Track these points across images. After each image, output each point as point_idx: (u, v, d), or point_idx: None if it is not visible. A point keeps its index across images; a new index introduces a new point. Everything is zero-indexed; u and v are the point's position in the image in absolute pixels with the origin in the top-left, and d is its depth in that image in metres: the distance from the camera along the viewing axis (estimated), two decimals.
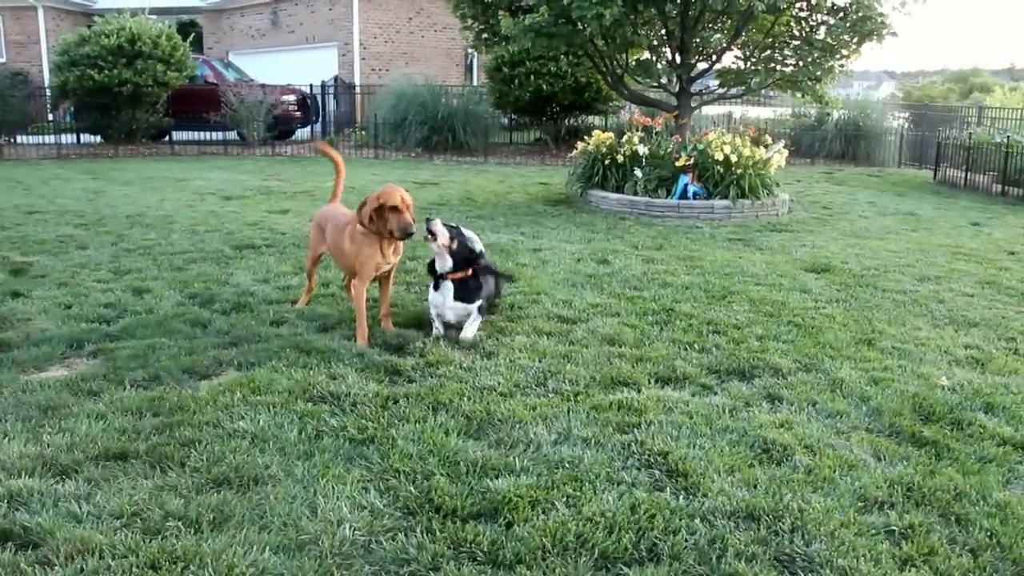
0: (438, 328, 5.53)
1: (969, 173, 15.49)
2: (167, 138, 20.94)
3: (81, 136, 21.09)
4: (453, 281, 5.46)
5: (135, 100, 19.75)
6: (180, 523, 3.09)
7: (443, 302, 5.48)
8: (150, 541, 2.98)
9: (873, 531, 3.21)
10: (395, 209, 5.22)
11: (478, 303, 5.49)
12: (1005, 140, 14.78)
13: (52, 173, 15.40)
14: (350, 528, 3.10)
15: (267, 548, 2.96)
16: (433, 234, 5.42)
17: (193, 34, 26.90)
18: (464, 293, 5.46)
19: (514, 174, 16.45)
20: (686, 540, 3.09)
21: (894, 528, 3.23)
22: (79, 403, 4.24)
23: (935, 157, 17.14)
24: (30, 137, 20.61)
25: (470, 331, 5.43)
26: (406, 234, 5.27)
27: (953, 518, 3.33)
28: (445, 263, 5.49)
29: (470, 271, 5.51)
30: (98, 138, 20.85)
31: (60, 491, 3.31)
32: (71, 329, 5.49)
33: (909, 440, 4.07)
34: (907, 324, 6.06)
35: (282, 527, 3.11)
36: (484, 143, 20.24)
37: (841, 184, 15.81)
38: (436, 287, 5.54)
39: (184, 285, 6.73)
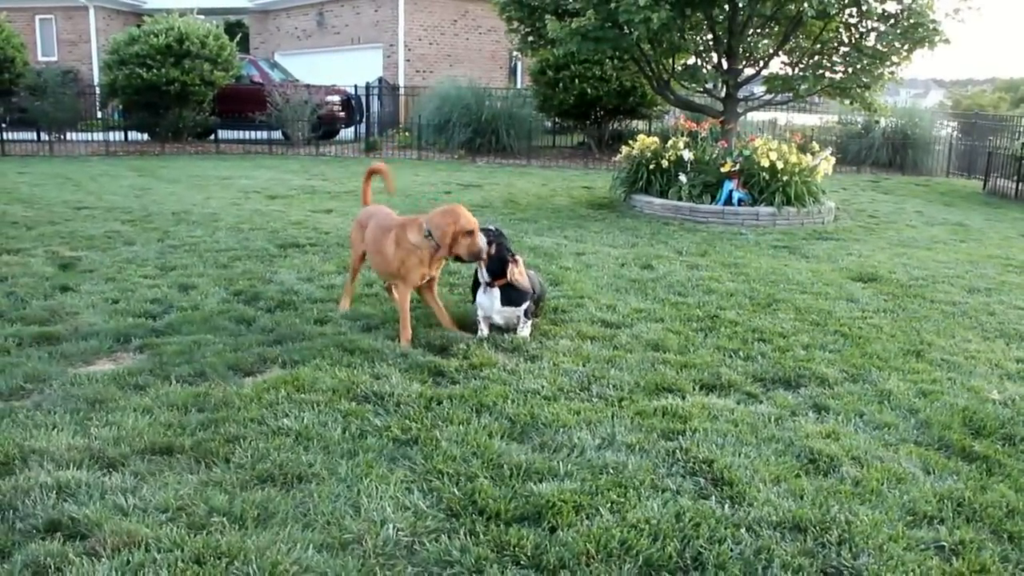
0: (483, 330, 5.52)
1: (1021, 184, 15.22)
2: (213, 137, 21.15)
3: (129, 134, 21.38)
4: (500, 287, 5.45)
5: (182, 99, 19.99)
6: (224, 519, 3.11)
7: (491, 306, 5.48)
8: (195, 536, 2.99)
9: (923, 546, 3.15)
10: (470, 233, 5.25)
11: (525, 305, 5.47)
12: None
13: (100, 170, 15.63)
14: (393, 528, 3.09)
15: (311, 546, 2.96)
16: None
17: (240, 34, 27.25)
18: (511, 296, 5.45)
19: (557, 177, 16.42)
20: (731, 550, 3.05)
21: (944, 544, 3.17)
22: (126, 397, 4.29)
23: (985, 167, 16.85)
24: (80, 134, 20.91)
25: (525, 331, 5.47)
26: (476, 258, 5.32)
27: (1006, 536, 3.26)
28: (483, 275, 5.49)
29: (508, 276, 5.48)
30: (145, 136, 21.13)
31: (107, 483, 3.35)
32: (118, 324, 5.55)
33: (959, 454, 3.99)
34: (956, 336, 5.95)
35: (326, 526, 3.11)
36: (527, 146, 20.23)
37: (888, 193, 15.60)
38: (484, 290, 5.53)
39: (229, 282, 6.78)
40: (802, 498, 3.44)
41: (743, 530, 3.17)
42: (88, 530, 3.00)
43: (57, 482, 3.31)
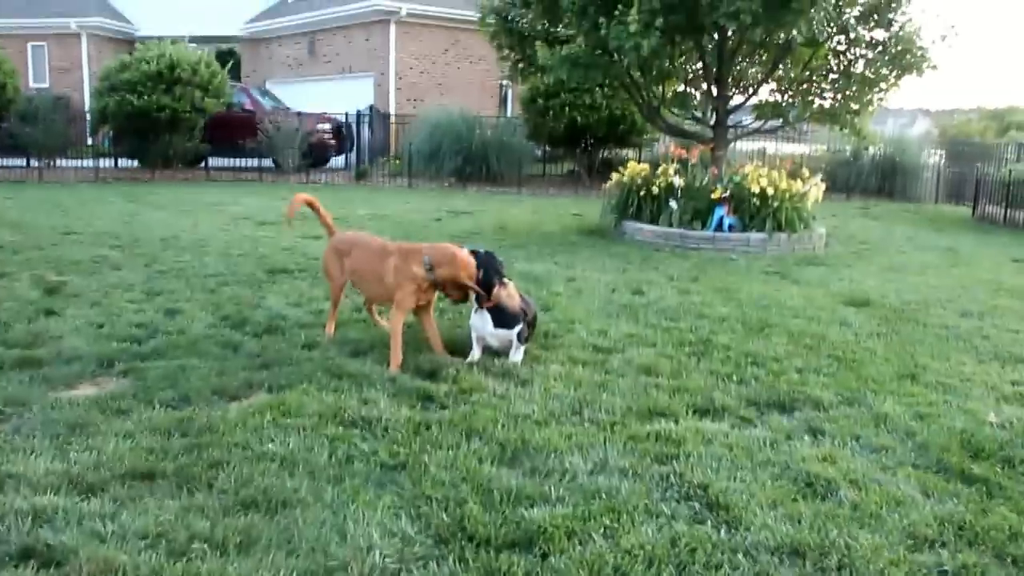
0: (475, 353, 5.46)
1: (1009, 210, 15.25)
2: (203, 164, 21.13)
3: (119, 160, 21.34)
4: (489, 309, 5.38)
5: (173, 126, 19.97)
6: (206, 545, 3.02)
7: (483, 327, 5.42)
8: (175, 563, 2.90)
9: (924, 570, 3.07)
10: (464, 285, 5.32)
11: (518, 328, 5.39)
12: None
13: (89, 195, 15.56)
14: (380, 555, 3.01)
15: (294, 573, 2.88)
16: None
17: (231, 62, 27.28)
18: (502, 319, 5.38)
19: (547, 205, 16.40)
20: (729, 575, 2.96)
21: (947, 568, 3.09)
22: (107, 421, 4.19)
23: (974, 193, 16.90)
24: (70, 160, 20.86)
25: (517, 356, 5.40)
26: (460, 301, 5.54)
27: (1009, 559, 3.19)
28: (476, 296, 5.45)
29: (515, 299, 5.45)
30: (135, 162, 21.09)
31: (85, 509, 3.25)
32: (102, 348, 5.46)
33: (958, 477, 3.91)
34: (951, 359, 5.89)
35: (310, 552, 3.02)
36: (518, 174, 20.24)
37: (877, 219, 15.62)
38: (475, 310, 5.47)
39: (216, 307, 6.70)
40: (800, 522, 3.36)
41: (740, 555, 3.09)
42: (63, 557, 2.91)
43: (33, 507, 3.21)
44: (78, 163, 20.76)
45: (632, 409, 4.62)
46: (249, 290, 7.40)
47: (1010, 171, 15.83)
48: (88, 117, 21.98)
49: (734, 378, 5.25)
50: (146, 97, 19.19)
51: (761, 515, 3.40)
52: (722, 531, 3.28)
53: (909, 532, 3.34)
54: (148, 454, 3.79)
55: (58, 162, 20.63)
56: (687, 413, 4.60)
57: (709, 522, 3.35)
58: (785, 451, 4.11)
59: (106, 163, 20.99)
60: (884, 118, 29.66)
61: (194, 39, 22.86)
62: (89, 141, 22.35)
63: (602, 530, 3.23)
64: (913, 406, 4.84)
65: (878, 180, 20.29)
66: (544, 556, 3.04)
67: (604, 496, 3.52)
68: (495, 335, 5.41)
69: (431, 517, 3.30)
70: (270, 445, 3.93)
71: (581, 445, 4.07)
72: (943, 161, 21.21)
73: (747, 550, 3.13)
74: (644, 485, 3.66)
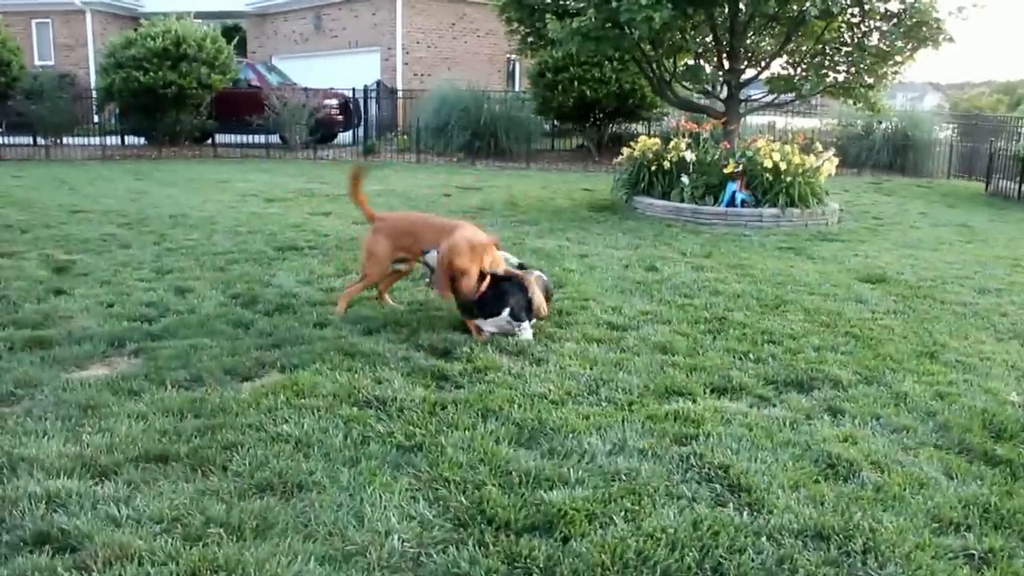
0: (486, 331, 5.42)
1: (1023, 185, 15.11)
2: (210, 140, 21.02)
3: (125, 138, 21.24)
4: (475, 302, 5.32)
5: (179, 102, 19.85)
6: (222, 530, 2.97)
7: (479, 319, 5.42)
8: (191, 548, 2.86)
9: (951, 555, 3.02)
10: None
11: (507, 310, 5.28)
12: None
13: (97, 173, 15.49)
14: (399, 539, 2.96)
15: (312, 558, 2.83)
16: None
17: (237, 38, 27.06)
18: (488, 310, 5.32)
19: (557, 180, 16.30)
20: (753, 560, 2.92)
21: (973, 552, 3.04)
22: (119, 403, 4.15)
23: (987, 168, 16.75)
24: (76, 138, 20.77)
25: (527, 334, 5.35)
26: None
27: None
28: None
29: (486, 286, 5.31)
30: (142, 140, 21.00)
31: (99, 493, 3.21)
32: (112, 327, 5.41)
33: (981, 458, 3.86)
34: (970, 337, 5.82)
35: (328, 536, 2.98)
36: (526, 149, 20.10)
37: (890, 195, 15.49)
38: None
39: (226, 285, 6.65)
40: (823, 504, 3.31)
41: (764, 539, 3.04)
42: (79, 542, 2.87)
43: (47, 492, 3.17)
44: (85, 141, 20.66)
45: (649, 388, 4.56)
46: (259, 268, 7.34)
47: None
48: (94, 94, 21.87)
49: (751, 356, 5.18)
50: (152, 74, 19.04)
51: (784, 497, 3.35)
52: (744, 514, 3.22)
53: (934, 515, 3.28)
54: (161, 436, 3.74)
55: (64, 140, 20.53)
56: (705, 392, 4.54)
57: (731, 504, 3.30)
58: (805, 431, 4.06)
59: (113, 141, 20.88)
60: (894, 92, 29.36)
61: (199, 15, 22.63)
62: (95, 119, 22.25)
63: (623, 513, 3.18)
64: (933, 385, 4.78)
65: (890, 155, 20.10)
66: (565, 540, 2.99)
67: (624, 478, 3.47)
68: (487, 324, 5.37)
69: (449, 500, 3.25)
70: (284, 426, 3.87)
71: (599, 425, 4.01)
72: (955, 136, 21.01)
73: (770, 533, 3.08)
74: (664, 466, 3.61)
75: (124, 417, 3.94)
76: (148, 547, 2.84)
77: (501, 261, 5.60)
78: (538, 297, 5.42)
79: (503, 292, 5.31)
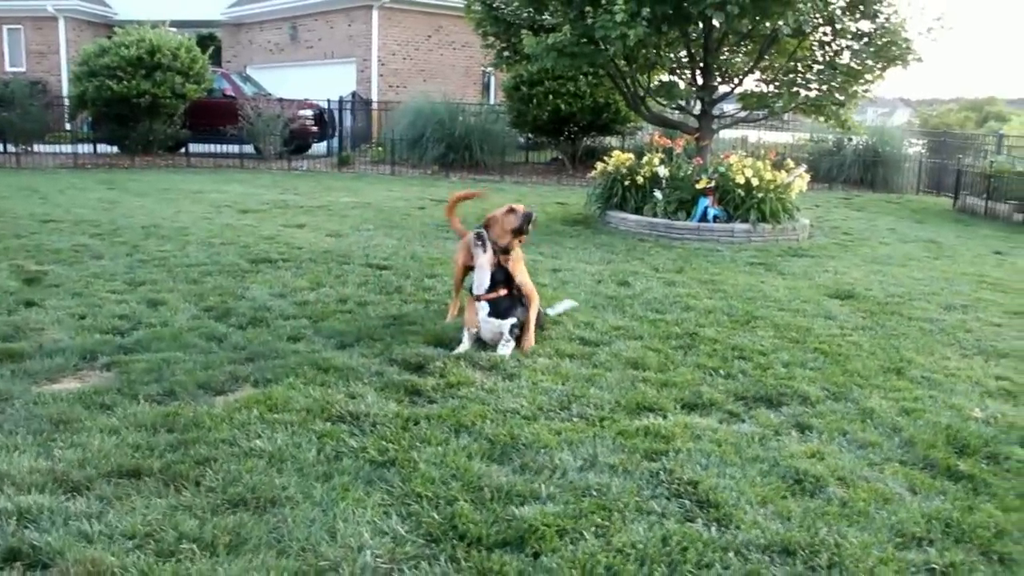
0: (465, 343, 5.46)
1: (990, 201, 15.35)
2: (184, 150, 20.94)
3: (98, 146, 21.10)
4: (488, 301, 5.42)
5: (153, 111, 19.77)
6: (195, 545, 2.98)
7: (476, 318, 5.45)
8: (163, 564, 2.87)
9: (913, 569, 3.08)
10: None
11: (511, 321, 5.39)
12: None
13: (68, 182, 15.38)
14: (371, 555, 2.98)
15: (285, 574, 2.85)
16: (483, 243, 5.49)
17: (212, 47, 27.04)
18: (498, 310, 5.41)
19: (531, 193, 16.36)
20: (720, 575, 2.96)
21: (935, 566, 3.10)
22: (92, 417, 4.14)
23: (955, 185, 16.99)
24: (47, 146, 20.62)
25: (505, 350, 5.38)
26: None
27: (996, 557, 3.21)
28: (483, 280, 5.46)
29: (504, 291, 5.47)
30: (115, 148, 20.85)
31: (71, 509, 3.21)
32: (84, 340, 5.40)
33: (944, 474, 3.93)
34: (935, 353, 5.92)
35: (300, 552, 3.00)
36: (501, 162, 20.19)
37: (860, 210, 15.68)
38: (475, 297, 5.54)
39: (199, 298, 6.64)
40: (790, 520, 3.37)
41: (731, 554, 3.09)
42: (50, 559, 2.87)
43: (17, 507, 3.16)
44: (56, 149, 20.52)
45: (620, 404, 4.61)
46: (233, 280, 7.33)
47: (991, 163, 15.93)
48: (66, 102, 21.72)
49: (721, 372, 5.25)
50: (126, 82, 18.97)
51: (751, 512, 3.40)
52: (713, 529, 3.27)
53: (897, 530, 3.35)
54: (134, 451, 3.75)
55: (36, 148, 20.38)
56: (675, 408, 4.60)
57: (700, 520, 3.35)
58: (774, 447, 4.12)
59: (85, 149, 20.74)
60: (865, 108, 29.73)
61: (174, 23, 22.55)
62: (67, 127, 22.11)
63: (593, 528, 3.22)
64: (899, 401, 4.86)
65: (860, 171, 20.35)
66: (536, 555, 3.02)
67: (595, 493, 3.51)
68: (487, 323, 5.42)
69: (422, 515, 3.27)
70: (257, 441, 3.89)
71: (570, 441, 4.05)
72: (924, 152, 21.31)
73: (738, 549, 3.13)
74: (634, 482, 3.65)
75: (96, 432, 3.93)
76: (120, 563, 2.85)
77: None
78: (531, 327, 5.60)
79: (518, 303, 5.49)
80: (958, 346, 6.16)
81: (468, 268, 5.93)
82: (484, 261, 5.49)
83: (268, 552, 2.98)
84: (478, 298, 5.45)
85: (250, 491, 3.40)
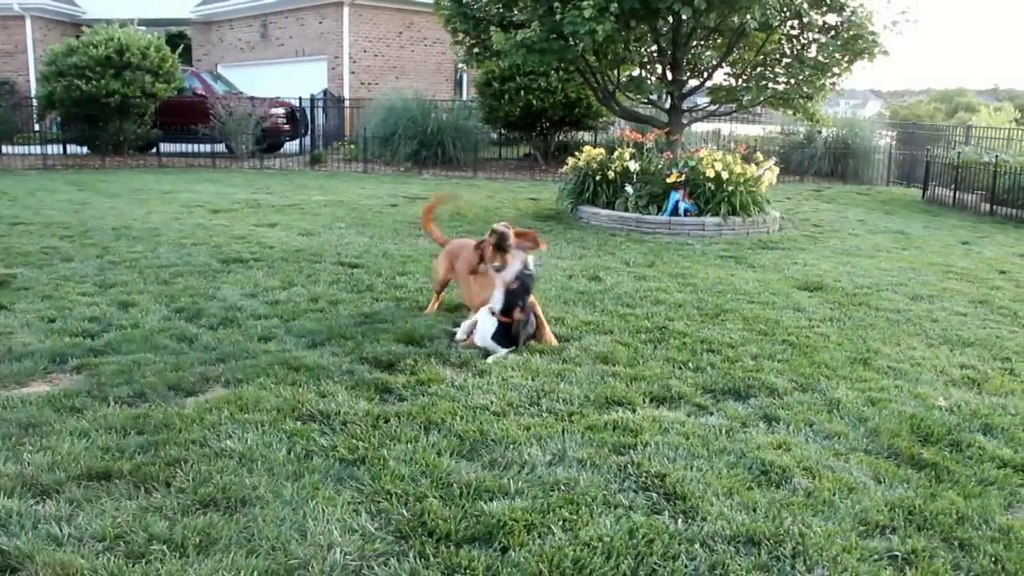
0: (461, 334, 5.60)
1: (958, 192, 15.53)
2: (155, 150, 20.78)
3: (67, 147, 20.90)
4: (500, 321, 5.41)
5: (123, 111, 19.60)
6: (165, 546, 3.00)
7: (481, 328, 5.46)
8: (133, 565, 2.88)
9: (876, 556, 3.14)
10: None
11: (507, 351, 5.39)
12: (993, 160, 14.81)
13: (37, 184, 15.25)
14: (341, 552, 3.01)
15: (255, 573, 2.87)
16: (504, 249, 5.65)
17: (182, 46, 26.76)
18: (504, 336, 5.41)
19: (503, 189, 16.39)
20: (686, 566, 3.01)
21: (897, 553, 3.17)
22: (61, 420, 4.13)
23: (924, 176, 17.18)
24: (16, 147, 20.41)
25: (490, 359, 5.34)
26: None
27: (956, 543, 3.27)
28: (499, 298, 5.45)
29: (514, 318, 5.41)
30: (85, 149, 20.67)
31: (40, 512, 3.21)
32: (54, 343, 5.38)
33: (908, 462, 4.01)
34: (902, 343, 6.01)
35: (271, 551, 3.02)
36: (473, 158, 20.19)
37: (831, 202, 15.82)
38: (489, 311, 5.51)
39: (170, 299, 6.62)
40: (755, 511, 3.42)
41: (697, 545, 3.14)
42: (19, 562, 2.88)
43: None
44: (25, 150, 20.32)
45: (590, 398, 4.65)
46: (204, 281, 7.31)
47: (959, 154, 16.12)
48: (34, 103, 21.51)
49: (690, 365, 5.30)
50: (95, 82, 18.79)
51: (717, 504, 3.45)
52: (679, 521, 3.32)
53: (861, 518, 3.41)
54: (104, 453, 3.75)
55: (4, 149, 20.18)
56: (644, 402, 4.64)
57: (666, 512, 3.39)
58: (740, 439, 4.17)
59: (54, 150, 20.56)
60: (836, 100, 29.98)
61: (143, 22, 22.35)
62: (36, 127, 21.89)
63: (561, 522, 3.26)
64: (865, 391, 4.93)
65: (831, 163, 20.54)
66: (504, 550, 3.06)
67: (563, 488, 3.55)
68: (485, 342, 5.43)
69: (391, 513, 3.30)
70: (228, 442, 3.90)
71: (539, 436, 4.09)
72: (894, 143, 21.52)
73: (704, 540, 3.18)
74: (602, 476, 3.69)
75: (66, 435, 3.93)
76: (90, 566, 2.86)
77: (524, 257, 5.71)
78: (544, 322, 5.72)
79: (520, 332, 5.48)
80: (924, 336, 6.25)
81: (449, 280, 6.02)
82: (499, 282, 5.48)
83: (238, 552, 2.99)
84: (492, 313, 5.44)
85: (220, 491, 3.42)
